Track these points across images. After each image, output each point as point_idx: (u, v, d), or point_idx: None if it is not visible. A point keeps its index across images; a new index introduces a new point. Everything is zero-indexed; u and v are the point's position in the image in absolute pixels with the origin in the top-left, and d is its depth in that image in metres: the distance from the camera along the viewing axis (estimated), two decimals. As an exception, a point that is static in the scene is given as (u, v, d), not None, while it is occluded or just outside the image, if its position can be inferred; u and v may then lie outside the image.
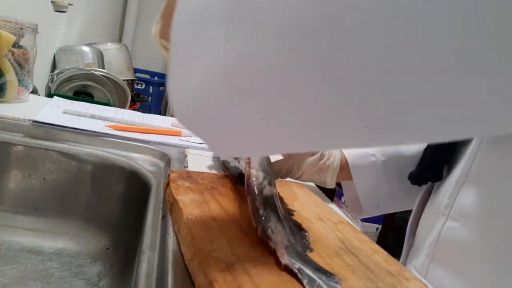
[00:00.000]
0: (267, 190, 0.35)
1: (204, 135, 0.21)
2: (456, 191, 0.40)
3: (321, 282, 0.25)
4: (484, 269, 0.36)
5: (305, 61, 0.14)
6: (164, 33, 0.33)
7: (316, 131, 0.16)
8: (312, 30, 0.13)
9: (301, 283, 0.25)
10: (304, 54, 0.14)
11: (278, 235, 0.29)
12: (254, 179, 0.36)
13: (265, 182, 0.36)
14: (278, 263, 0.27)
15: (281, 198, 0.39)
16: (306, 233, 0.33)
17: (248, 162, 0.39)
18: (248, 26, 0.15)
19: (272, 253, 0.28)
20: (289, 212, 0.36)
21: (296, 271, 0.26)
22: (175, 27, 0.20)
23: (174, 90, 0.21)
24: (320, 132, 0.16)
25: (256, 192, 0.34)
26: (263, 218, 0.31)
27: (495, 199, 0.36)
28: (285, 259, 0.27)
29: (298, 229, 0.33)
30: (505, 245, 0.34)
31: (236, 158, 0.45)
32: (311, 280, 0.25)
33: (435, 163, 0.45)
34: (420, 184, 0.48)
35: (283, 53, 0.14)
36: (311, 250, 0.30)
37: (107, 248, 0.55)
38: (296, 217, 0.36)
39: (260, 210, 0.32)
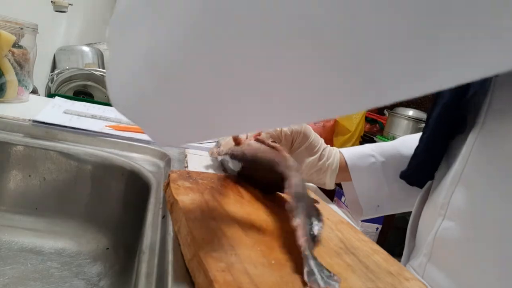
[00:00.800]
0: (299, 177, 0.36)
1: (141, 124, 0.21)
2: (451, 191, 0.40)
3: (318, 277, 0.25)
4: (474, 268, 0.36)
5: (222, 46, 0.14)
6: None
7: (241, 112, 0.16)
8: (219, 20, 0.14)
9: (303, 282, 0.25)
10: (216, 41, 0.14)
11: (303, 218, 0.31)
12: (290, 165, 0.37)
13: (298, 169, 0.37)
14: (278, 263, 0.27)
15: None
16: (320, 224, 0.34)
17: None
18: (165, 16, 0.16)
19: (273, 253, 0.28)
20: (312, 200, 0.37)
21: (304, 256, 0.26)
22: (111, 22, 0.21)
23: (110, 81, 0.22)
24: (244, 113, 0.16)
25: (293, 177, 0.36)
26: (298, 199, 0.33)
27: (486, 199, 0.36)
28: (303, 242, 0.28)
29: (317, 217, 0.34)
30: (496, 245, 0.35)
31: (233, 158, 0.45)
32: (311, 272, 0.25)
33: (426, 162, 0.46)
34: (421, 185, 0.48)
35: (196, 39, 0.15)
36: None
37: (107, 248, 0.55)
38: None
39: (299, 187, 0.34)
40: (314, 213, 0.35)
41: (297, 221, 0.30)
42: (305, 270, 0.25)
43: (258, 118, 0.16)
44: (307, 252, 0.27)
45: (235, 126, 0.18)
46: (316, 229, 0.33)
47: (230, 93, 0.16)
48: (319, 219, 0.34)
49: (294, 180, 0.35)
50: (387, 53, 0.12)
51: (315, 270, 0.26)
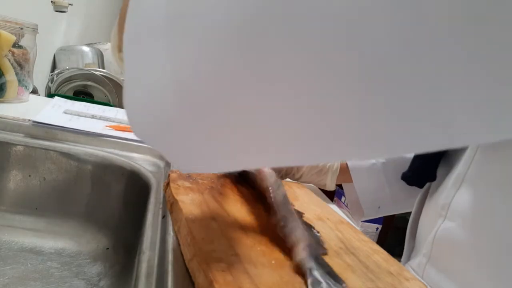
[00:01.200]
0: (280, 191, 0.35)
1: (161, 148, 0.21)
2: (453, 192, 0.40)
3: (325, 285, 0.25)
4: (475, 269, 0.36)
5: (251, 65, 0.13)
6: (122, 47, 0.33)
7: (269, 144, 0.15)
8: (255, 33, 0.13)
9: (305, 283, 0.25)
10: (247, 58, 0.13)
11: (299, 234, 0.30)
12: (270, 177, 0.36)
13: (278, 181, 0.36)
14: (278, 263, 0.27)
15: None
16: (318, 234, 0.33)
17: None
18: (190, 36, 0.15)
19: (273, 253, 0.28)
20: (299, 214, 0.36)
21: (306, 270, 0.26)
22: (126, 40, 0.20)
23: (128, 104, 0.21)
24: (273, 145, 0.15)
25: (275, 187, 0.35)
26: (284, 215, 0.32)
27: (490, 201, 0.36)
28: (301, 256, 0.27)
29: (310, 230, 0.33)
30: (496, 247, 0.35)
31: None
32: (316, 282, 0.25)
33: (427, 163, 0.46)
34: (421, 186, 0.48)
35: (223, 60, 0.14)
36: (325, 251, 0.30)
37: (107, 248, 0.55)
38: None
39: (281, 207, 0.33)
40: (301, 220, 0.34)
41: (291, 242, 0.29)
42: (309, 281, 0.25)
43: (291, 154, 0.15)
44: (309, 265, 0.26)
45: (266, 160, 0.17)
46: (316, 236, 0.32)
47: (260, 124, 0.15)
48: (309, 226, 0.34)
49: (278, 199, 0.34)
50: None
51: (321, 279, 0.25)
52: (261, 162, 0.19)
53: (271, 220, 0.32)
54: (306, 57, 0.12)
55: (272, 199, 0.33)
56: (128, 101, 0.21)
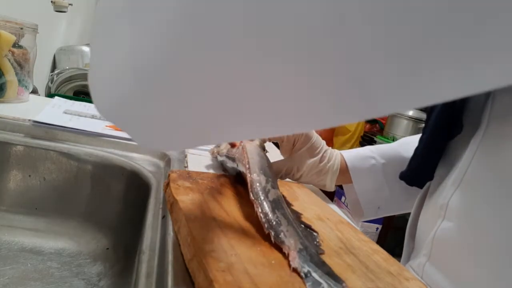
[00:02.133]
0: (272, 194, 0.35)
1: (124, 127, 0.21)
2: (451, 192, 0.40)
3: (325, 285, 0.25)
4: (474, 269, 0.36)
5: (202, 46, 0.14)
6: None
7: (225, 119, 0.16)
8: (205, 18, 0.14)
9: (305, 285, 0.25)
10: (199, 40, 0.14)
11: (291, 239, 0.29)
12: (257, 184, 0.36)
13: (269, 186, 0.36)
14: (278, 263, 0.27)
15: (286, 201, 0.39)
16: (316, 234, 0.33)
17: (248, 168, 0.38)
18: (146, 20, 0.16)
19: (273, 253, 0.28)
20: (297, 214, 0.36)
21: (303, 274, 0.26)
22: (93, 23, 0.22)
23: (92, 84, 0.22)
24: (226, 120, 0.16)
25: (262, 197, 0.34)
26: (274, 222, 0.31)
27: (487, 201, 0.36)
28: (295, 263, 0.27)
29: (308, 231, 0.33)
30: (494, 246, 0.35)
31: (234, 161, 0.45)
32: (316, 283, 0.25)
33: (425, 162, 0.46)
34: (420, 185, 0.48)
35: (174, 43, 0.15)
36: (322, 251, 0.30)
37: (107, 248, 0.55)
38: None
39: (270, 215, 0.32)
40: (298, 220, 0.34)
41: (286, 248, 0.28)
42: (308, 284, 0.25)
43: (243, 128, 0.16)
44: (305, 270, 0.26)
45: (220, 134, 0.18)
46: (314, 236, 0.32)
47: (214, 100, 0.16)
48: (307, 227, 0.33)
49: (265, 209, 0.33)
50: (380, 65, 0.12)
51: (321, 280, 0.25)
52: (219, 138, 0.20)
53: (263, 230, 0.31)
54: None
55: (258, 212, 0.33)
56: (92, 82, 0.22)
